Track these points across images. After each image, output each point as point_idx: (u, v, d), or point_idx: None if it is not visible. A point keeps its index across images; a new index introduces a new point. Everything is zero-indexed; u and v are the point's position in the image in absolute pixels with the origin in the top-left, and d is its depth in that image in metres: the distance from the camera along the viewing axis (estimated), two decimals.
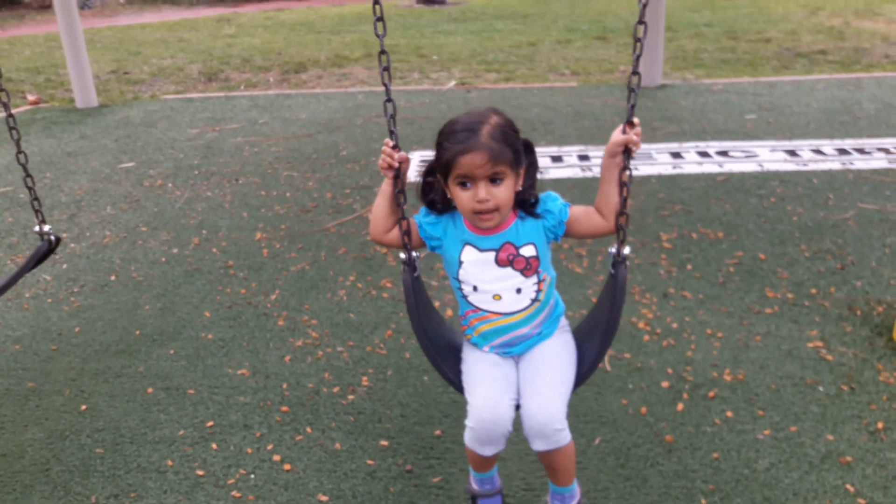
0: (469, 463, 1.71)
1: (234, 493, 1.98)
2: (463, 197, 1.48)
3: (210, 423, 2.27)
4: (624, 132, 1.45)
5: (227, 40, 10.68)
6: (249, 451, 2.14)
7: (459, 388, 1.64)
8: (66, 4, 6.38)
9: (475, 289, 1.58)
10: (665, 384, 2.36)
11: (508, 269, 1.55)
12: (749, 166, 4.42)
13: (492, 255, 1.55)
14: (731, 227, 3.56)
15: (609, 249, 1.55)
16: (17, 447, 2.20)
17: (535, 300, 1.58)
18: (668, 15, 8.11)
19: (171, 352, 2.68)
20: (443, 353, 1.66)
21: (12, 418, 2.35)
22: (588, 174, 4.39)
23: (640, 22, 1.38)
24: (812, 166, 4.38)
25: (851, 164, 4.39)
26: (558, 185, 4.20)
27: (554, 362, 1.59)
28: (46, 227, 2.26)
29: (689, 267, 3.17)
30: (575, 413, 2.24)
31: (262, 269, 3.34)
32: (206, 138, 5.56)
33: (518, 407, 1.56)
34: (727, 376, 2.39)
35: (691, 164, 4.50)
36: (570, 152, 4.81)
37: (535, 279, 1.57)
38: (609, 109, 5.90)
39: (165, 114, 6.42)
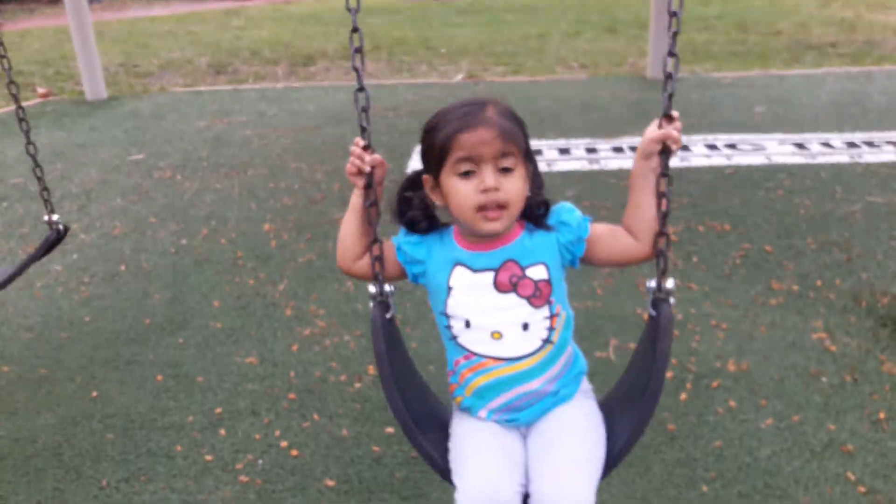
0: None
1: (242, 477, 2.01)
2: (463, 190, 1.15)
3: (218, 410, 2.31)
4: (660, 127, 1.18)
5: (236, 33, 10.71)
6: (257, 437, 2.18)
7: (445, 473, 1.21)
8: None
9: (468, 324, 1.20)
10: (669, 374, 2.38)
11: (512, 296, 1.18)
12: (757, 159, 4.40)
13: (490, 276, 1.19)
14: (738, 219, 3.56)
15: (647, 283, 1.21)
16: (30, 432, 2.25)
17: (547, 341, 1.20)
18: None
19: (181, 340, 2.72)
20: (423, 421, 1.25)
21: (25, 404, 2.39)
22: (595, 167, 4.39)
23: (672, 14, 1.17)
24: (820, 159, 4.35)
25: (860, 157, 4.36)
26: (566, 177, 4.20)
27: (576, 434, 1.17)
28: (55, 217, 2.29)
29: (695, 259, 3.17)
30: None
31: (270, 260, 3.37)
32: (214, 130, 5.60)
33: (527, 497, 1.12)
34: (731, 367, 2.40)
35: (699, 157, 4.48)
36: (579, 145, 4.80)
37: (546, 311, 1.19)
38: (617, 102, 5.88)
39: (174, 106, 6.45)
